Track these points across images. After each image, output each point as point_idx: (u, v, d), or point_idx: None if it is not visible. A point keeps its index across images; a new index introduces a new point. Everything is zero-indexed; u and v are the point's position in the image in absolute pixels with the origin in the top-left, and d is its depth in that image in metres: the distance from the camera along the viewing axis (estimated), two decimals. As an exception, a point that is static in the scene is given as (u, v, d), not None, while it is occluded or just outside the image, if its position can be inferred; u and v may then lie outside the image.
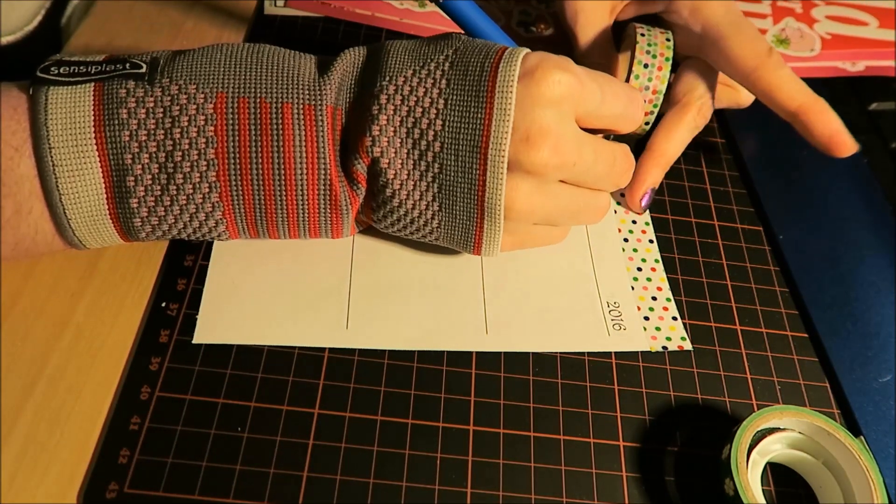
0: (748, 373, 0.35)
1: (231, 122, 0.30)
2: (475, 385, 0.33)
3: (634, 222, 0.40)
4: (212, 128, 0.30)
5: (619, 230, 0.40)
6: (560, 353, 0.34)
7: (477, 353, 0.34)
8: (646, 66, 0.39)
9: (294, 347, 0.32)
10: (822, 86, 0.49)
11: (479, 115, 0.30)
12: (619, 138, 0.42)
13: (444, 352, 0.33)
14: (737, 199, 0.43)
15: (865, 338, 0.37)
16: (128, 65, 0.30)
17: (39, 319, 0.31)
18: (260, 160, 0.30)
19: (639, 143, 0.41)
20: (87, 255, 0.34)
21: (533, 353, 0.34)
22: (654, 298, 0.37)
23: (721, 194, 0.43)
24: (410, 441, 0.31)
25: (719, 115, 0.47)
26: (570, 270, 0.37)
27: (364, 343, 0.33)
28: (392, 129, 0.30)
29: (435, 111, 0.30)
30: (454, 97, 0.30)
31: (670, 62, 0.39)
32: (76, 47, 0.42)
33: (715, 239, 0.40)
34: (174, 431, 0.29)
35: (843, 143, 0.38)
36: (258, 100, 0.30)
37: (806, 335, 0.37)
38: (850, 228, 0.42)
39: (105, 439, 0.29)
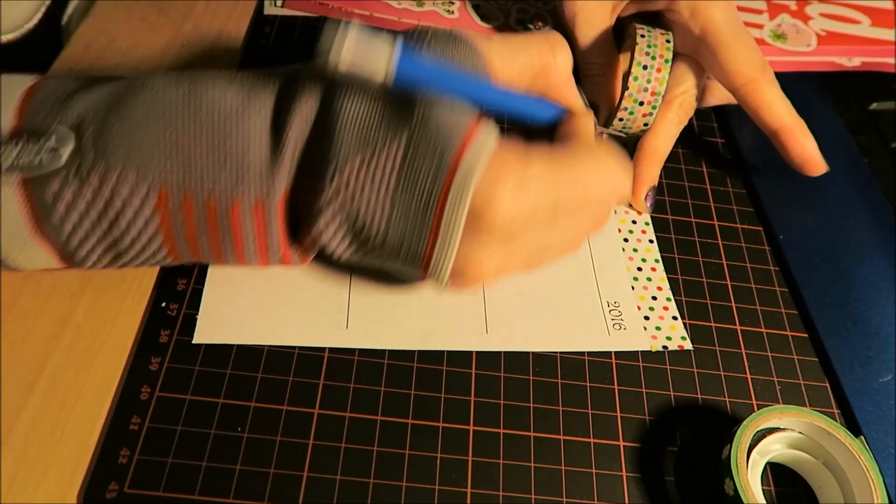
0: (748, 373, 0.35)
1: (176, 220, 0.28)
2: (475, 385, 0.33)
3: (634, 222, 0.40)
4: (157, 222, 0.28)
5: (619, 230, 0.40)
6: (560, 353, 0.34)
7: (477, 352, 0.34)
8: (645, 67, 0.39)
9: (294, 347, 0.32)
10: (822, 86, 0.50)
11: (422, 242, 0.28)
12: (619, 141, 0.42)
13: (444, 352, 0.33)
14: (737, 199, 0.43)
15: (865, 338, 0.37)
16: (53, 139, 0.27)
17: (39, 319, 0.31)
18: (210, 250, 0.30)
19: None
20: (86, 255, 0.34)
21: (533, 353, 0.34)
22: (654, 298, 0.37)
23: (721, 194, 0.43)
24: (410, 441, 0.31)
25: (719, 115, 0.47)
26: (569, 270, 0.37)
27: (364, 343, 0.33)
28: (336, 223, 0.29)
29: (380, 212, 0.28)
30: (399, 208, 0.28)
31: (669, 64, 0.39)
32: (76, 47, 0.42)
33: (715, 239, 0.40)
34: (174, 431, 0.29)
35: (815, 166, 0.41)
36: (204, 197, 0.28)
37: (806, 335, 0.37)
38: (850, 228, 0.42)
39: (105, 439, 0.29)
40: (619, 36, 0.45)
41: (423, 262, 0.29)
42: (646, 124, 0.41)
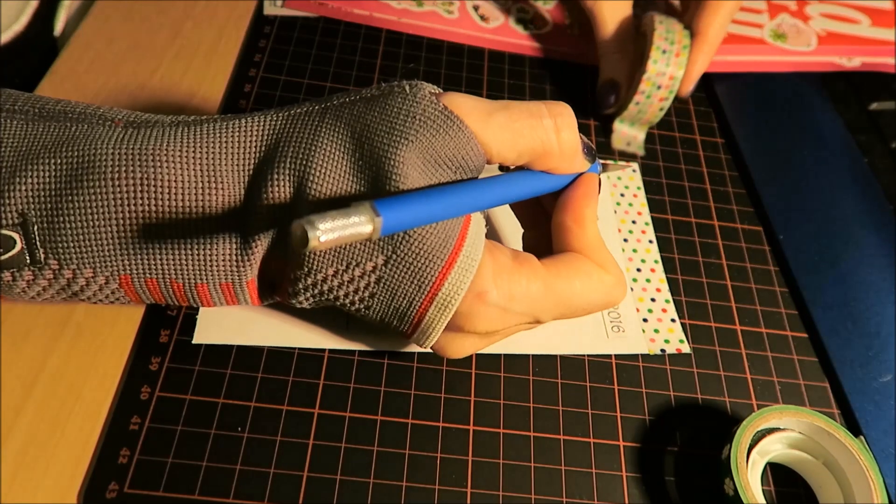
0: (748, 373, 0.35)
1: (142, 292, 0.28)
2: (475, 385, 0.33)
3: (634, 222, 0.40)
4: (122, 292, 0.28)
5: (619, 230, 0.40)
6: (560, 353, 0.34)
7: (476, 353, 0.34)
8: (664, 51, 0.40)
9: (294, 347, 0.32)
10: (822, 85, 0.50)
11: (401, 329, 0.28)
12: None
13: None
14: (737, 199, 0.43)
15: (865, 338, 0.37)
16: None
17: (39, 319, 0.31)
18: (179, 303, 0.29)
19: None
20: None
21: (533, 354, 0.34)
22: (653, 300, 0.37)
23: (721, 194, 0.43)
24: (410, 441, 0.31)
25: (719, 114, 0.47)
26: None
27: (364, 343, 0.33)
28: (313, 302, 0.29)
29: (357, 305, 0.28)
30: (375, 309, 0.28)
31: (687, 50, 0.40)
32: (76, 48, 0.42)
33: (715, 239, 0.40)
34: (174, 431, 0.29)
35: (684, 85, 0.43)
36: (168, 280, 0.27)
37: (806, 335, 0.37)
38: (850, 228, 0.42)
39: (105, 439, 0.29)
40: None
41: (406, 336, 0.29)
42: (661, 109, 0.41)
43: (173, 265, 0.27)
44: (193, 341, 0.32)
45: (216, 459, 0.29)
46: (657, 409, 0.33)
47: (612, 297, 0.29)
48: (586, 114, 0.45)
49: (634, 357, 0.35)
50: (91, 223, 0.26)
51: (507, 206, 0.35)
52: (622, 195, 0.41)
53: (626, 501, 0.30)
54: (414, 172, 0.26)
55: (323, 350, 0.33)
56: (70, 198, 0.26)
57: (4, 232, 0.26)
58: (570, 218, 0.30)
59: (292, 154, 0.27)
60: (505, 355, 0.34)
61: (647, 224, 0.40)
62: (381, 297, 0.27)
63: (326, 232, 0.22)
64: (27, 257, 0.26)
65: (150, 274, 0.27)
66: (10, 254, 0.26)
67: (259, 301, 0.29)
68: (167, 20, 0.45)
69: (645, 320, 0.36)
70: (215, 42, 0.44)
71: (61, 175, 0.26)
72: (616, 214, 0.40)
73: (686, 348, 0.35)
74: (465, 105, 0.27)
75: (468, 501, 0.30)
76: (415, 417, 0.31)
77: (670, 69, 0.40)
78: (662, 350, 0.35)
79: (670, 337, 0.36)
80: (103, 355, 0.31)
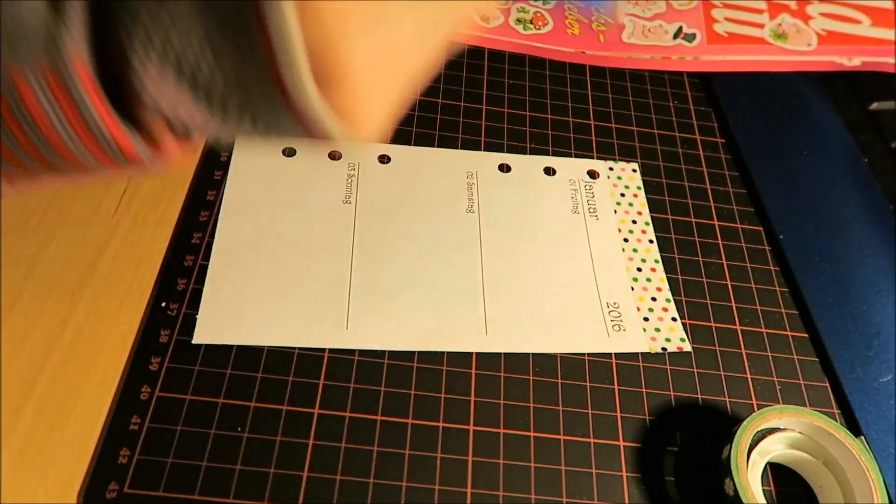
0: (748, 373, 0.35)
1: None
2: (475, 385, 0.33)
3: (634, 222, 0.40)
4: None
5: (619, 230, 0.40)
6: (560, 353, 0.34)
7: (477, 353, 0.34)
8: None
9: (294, 347, 0.32)
10: (822, 85, 0.50)
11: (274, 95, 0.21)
12: None
13: (444, 352, 0.33)
14: (737, 199, 0.43)
15: (865, 337, 0.37)
16: None
17: (39, 319, 0.31)
18: (14, 139, 0.22)
19: None
20: (87, 255, 0.34)
21: (533, 354, 0.34)
22: (653, 299, 0.37)
23: (721, 194, 0.43)
24: (410, 441, 0.31)
25: (719, 114, 0.47)
26: (569, 271, 0.37)
27: (364, 343, 0.33)
28: (170, 86, 0.21)
29: (212, 76, 0.21)
30: (230, 72, 0.21)
31: None
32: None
33: (715, 239, 0.40)
34: (174, 431, 0.29)
35: None
36: None
37: (806, 335, 0.37)
38: (850, 228, 0.42)
39: (105, 439, 0.29)
40: None
41: (287, 106, 0.21)
42: None
43: None
44: (193, 341, 0.32)
45: (216, 459, 0.29)
46: (657, 409, 0.33)
47: None
48: (586, 114, 0.45)
49: (634, 357, 0.35)
50: None
51: None
52: (622, 195, 0.41)
53: (626, 501, 0.30)
54: None
55: (323, 350, 0.33)
56: None
57: None
58: None
59: None
60: (505, 355, 0.34)
61: (647, 224, 0.40)
62: (226, 50, 0.21)
63: None
64: None
65: None
66: None
67: (108, 115, 0.22)
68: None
69: (646, 319, 0.36)
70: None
71: None
72: (616, 214, 0.40)
73: (687, 346, 0.35)
74: None
75: (468, 501, 0.30)
76: (415, 417, 0.31)
77: None
78: (664, 348, 0.35)
79: (671, 336, 0.36)
80: (103, 355, 0.31)
